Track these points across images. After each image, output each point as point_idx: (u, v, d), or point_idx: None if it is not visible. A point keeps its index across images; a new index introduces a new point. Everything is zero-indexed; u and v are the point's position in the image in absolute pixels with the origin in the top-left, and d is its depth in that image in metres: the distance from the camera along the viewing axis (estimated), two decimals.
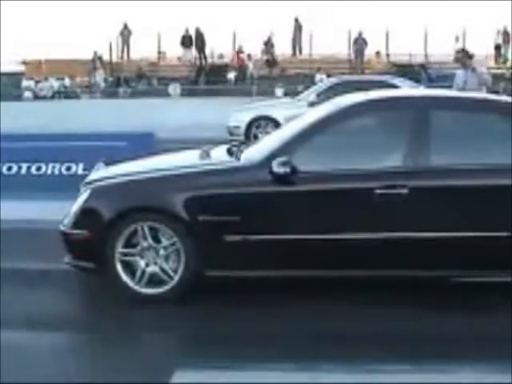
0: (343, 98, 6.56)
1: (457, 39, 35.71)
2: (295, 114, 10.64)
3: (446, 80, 19.07)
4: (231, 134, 16.83)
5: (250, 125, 16.82)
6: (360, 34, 34.80)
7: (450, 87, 11.80)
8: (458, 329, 5.30)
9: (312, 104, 15.28)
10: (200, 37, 35.57)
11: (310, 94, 17.27)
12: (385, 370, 4.63)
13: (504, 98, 6.69)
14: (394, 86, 15.62)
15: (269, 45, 35.90)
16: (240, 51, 35.69)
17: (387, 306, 5.67)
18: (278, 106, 17.76)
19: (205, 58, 36.13)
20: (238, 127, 16.93)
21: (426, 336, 5.15)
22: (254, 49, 36.14)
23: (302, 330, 5.30)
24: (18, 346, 5.08)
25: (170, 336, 5.40)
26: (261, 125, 16.81)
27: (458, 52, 11.82)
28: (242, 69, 35.23)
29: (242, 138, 15.98)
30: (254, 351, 4.94)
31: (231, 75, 34.85)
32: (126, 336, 5.33)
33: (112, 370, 4.67)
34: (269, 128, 16.05)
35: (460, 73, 11.65)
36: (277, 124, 15.90)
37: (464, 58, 11.60)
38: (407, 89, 14.99)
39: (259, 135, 15.43)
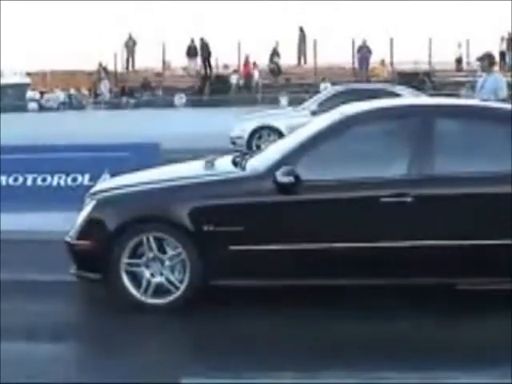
0: (347, 107, 6.57)
1: (459, 46, 35.79)
2: (298, 124, 10.66)
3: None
4: (234, 143, 16.81)
5: (252, 134, 16.77)
6: (364, 43, 34.90)
7: (452, 95, 11.65)
8: (459, 335, 5.30)
9: (314, 113, 15.27)
10: (205, 47, 35.68)
11: (312, 104, 17.23)
12: (385, 378, 4.64)
13: (508, 105, 6.68)
14: (395, 95, 15.57)
15: (274, 54, 36.01)
16: (247, 61, 35.81)
17: (388, 313, 5.67)
18: (280, 116, 17.67)
19: (210, 67, 36.24)
20: (240, 137, 16.90)
21: (426, 342, 5.15)
22: (259, 58, 36.29)
23: (302, 335, 5.34)
24: (19, 356, 5.09)
25: (174, 344, 5.43)
26: (263, 134, 16.76)
27: (483, 55, 11.57)
28: (248, 78, 35.36)
29: (244, 147, 15.92)
30: (255, 359, 4.95)
31: (234, 79, 34.93)
32: (130, 345, 5.34)
33: (116, 379, 4.67)
34: (271, 137, 15.98)
35: (483, 76, 11.50)
36: (279, 133, 15.86)
37: (485, 61, 11.39)
38: (411, 97, 14.94)
39: (262, 145, 15.39)
